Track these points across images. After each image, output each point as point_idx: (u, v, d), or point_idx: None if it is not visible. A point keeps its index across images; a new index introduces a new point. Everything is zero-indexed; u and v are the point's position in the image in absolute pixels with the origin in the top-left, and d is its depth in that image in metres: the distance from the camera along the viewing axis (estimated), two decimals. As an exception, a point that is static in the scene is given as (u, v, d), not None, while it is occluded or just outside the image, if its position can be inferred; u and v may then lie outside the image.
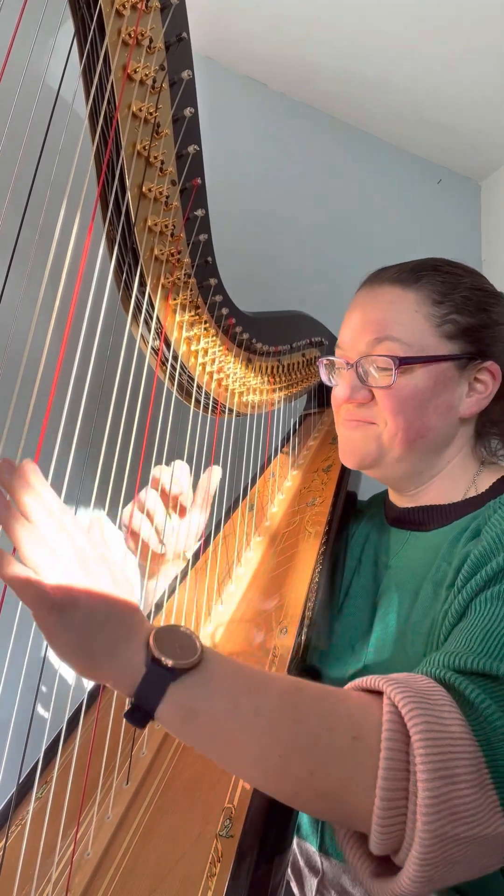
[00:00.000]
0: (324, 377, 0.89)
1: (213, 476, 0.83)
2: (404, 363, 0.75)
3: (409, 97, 1.67)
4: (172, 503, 0.83)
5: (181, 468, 0.82)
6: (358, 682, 0.55)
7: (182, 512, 0.86)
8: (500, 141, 1.81)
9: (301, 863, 0.76)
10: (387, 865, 0.51)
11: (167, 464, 0.81)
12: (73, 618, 0.49)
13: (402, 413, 0.76)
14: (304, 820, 0.76)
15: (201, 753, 0.53)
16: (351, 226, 1.71)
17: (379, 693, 0.52)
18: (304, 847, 0.76)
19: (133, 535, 0.82)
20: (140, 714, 0.50)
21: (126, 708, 0.51)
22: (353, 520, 0.98)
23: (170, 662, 0.50)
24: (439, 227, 1.87)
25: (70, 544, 0.52)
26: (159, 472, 0.81)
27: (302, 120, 1.69)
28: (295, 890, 0.78)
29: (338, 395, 0.83)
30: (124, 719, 0.51)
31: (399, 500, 0.86)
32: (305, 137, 1.68)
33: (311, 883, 0.74)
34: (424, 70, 1.58)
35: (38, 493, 0.52)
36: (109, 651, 0.50)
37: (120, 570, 0.55)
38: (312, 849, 0.74)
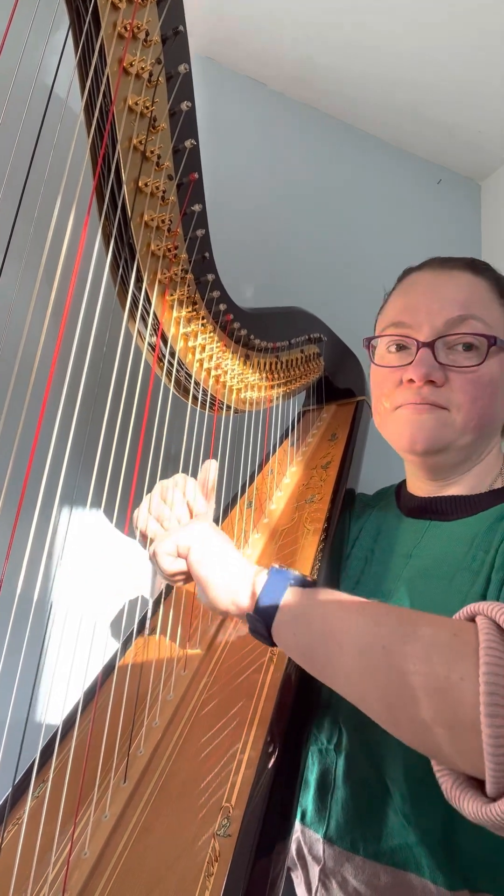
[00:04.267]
0: (373, 357, 0.84)
1: (211, 470, 0.82)
2: (495, 344, 0.75)
3: (409, 97, 1.66)
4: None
5: (191, 484, 0.80)
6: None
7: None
8: (500, 141, 1.80)
9: (305, 850, 0.76)
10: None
11: (164, 460, 0.81)
12: (213, 547, 0.68)
13: (480, 399, 0.75)
14: (310, 808, 0.76)
15: (307, 659, 0.60)
16: (350, 226, 1.71)
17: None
18: (308, 835, 0.76)
19: (143, 534, 0.81)
20: (262, 619, 0.61)
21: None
22: (362, 512, 0.97)
23: (287, 568, 0.63)
24: (439, 227, 1.86)
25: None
26: (172, 483, 0.80)
27: (302, 120, 1.69)
28: (297, 878, 0.78)
29: (408, 373, 0.77)
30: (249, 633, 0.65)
31: (422, 490, 0.85)
32: (305, 137, 1.68)
33: (314, 871, 0.74)
34: (424, 70, 1.57)
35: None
36: (240, 573, 0.65)
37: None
38: (317, 836, 0.74)
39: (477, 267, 0.80)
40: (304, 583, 0.63)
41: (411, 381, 0.76)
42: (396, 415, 0.79)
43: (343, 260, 1.65)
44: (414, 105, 1.69)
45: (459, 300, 0.76)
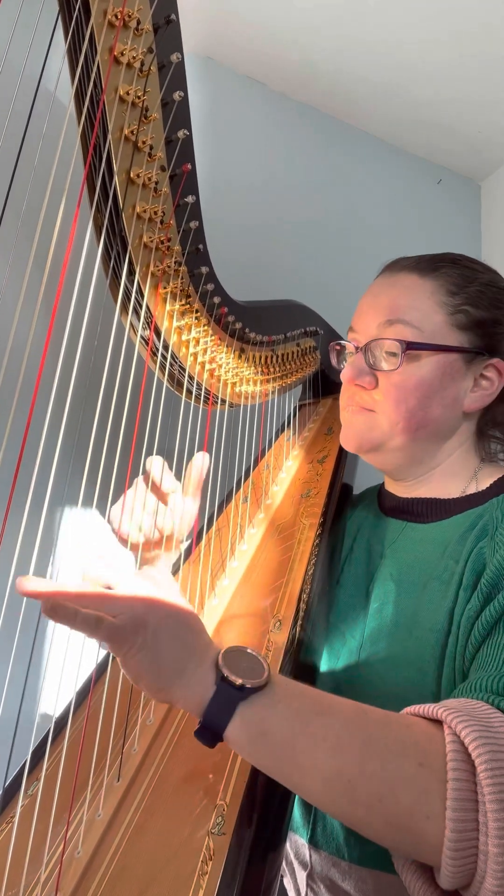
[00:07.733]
0: (333, 361, 0.89)
1: (200, 462, 0.81)
2: (412, 348, 0.75)
3: (409, 97, 1.66)
4: (162, 498, 0.82)
5: (156, 462, 0.79)
6: (413, 708, 0.54)
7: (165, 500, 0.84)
8: (500, 141, 1.80)
9: (291, 856, 0.76)
10: (450, 892, 0.50)
11: (158, 455, 0.80)
12: (145, 640, 0.51)
13: (403, 403, 0.76)
14: (296, 812, 0.76)
15: (269, 775, 0.53)
16: (351, 226, 1.71)
17: (438, 721, 0.52)
18: (294, 839, 0.76)
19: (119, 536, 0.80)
20: (209, 734, 0.51)
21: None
22: (345, 510, 0.97)
23: (239, 681, 0.51)
24: (439, 227, 1.86)
25: (129, 579, 0.54)
26: (150, 464, 0.79)
27: (302, 120, 1.68)
28: (286, 883, 0.78)
29: (343, 377, 0.82)
30: (195, 736, 0.52)
31: (397, 490, 0.86)
32: (305, 138, 1.68)
33: (301, 876, 0.74)
34: (424, 70, 1.57)
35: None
36: (178, 671, 0.52)
37: (180, 595, 0.57)
38: (302, 841, 0.74)
39: (426, 268, 0.79)
40: (257, 687, 0.52)
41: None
42: (342, 416, 0.85)
43: (344, 262, 1.65)
44: (414, 105, 1.68)
45: (391, 305, 0.78)
